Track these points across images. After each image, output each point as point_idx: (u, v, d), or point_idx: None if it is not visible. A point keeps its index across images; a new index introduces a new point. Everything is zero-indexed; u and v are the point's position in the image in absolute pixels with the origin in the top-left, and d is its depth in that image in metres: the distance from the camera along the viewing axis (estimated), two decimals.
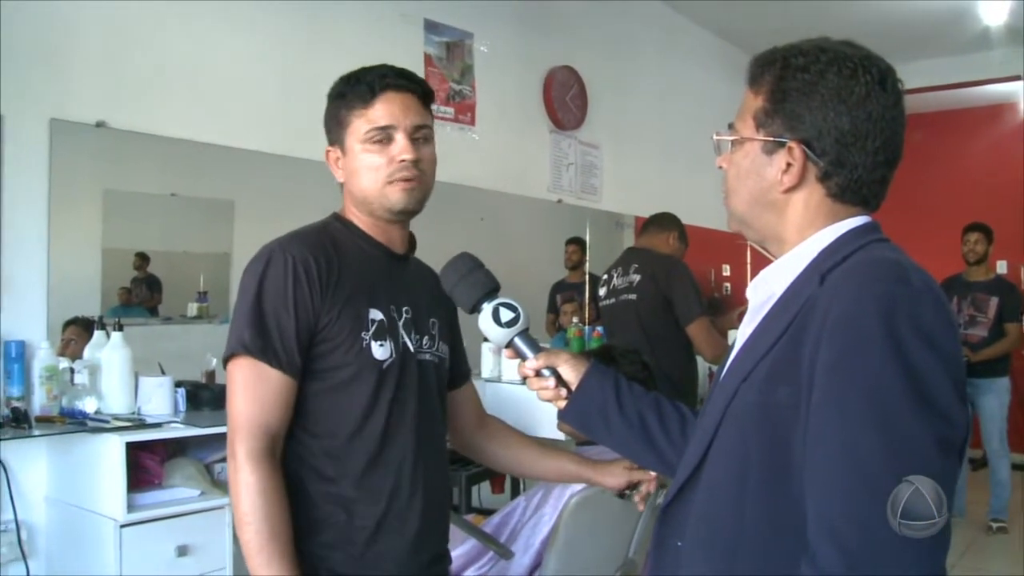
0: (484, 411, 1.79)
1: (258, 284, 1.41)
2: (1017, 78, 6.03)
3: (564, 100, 4.64)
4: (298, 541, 1.42)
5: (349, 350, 1.43)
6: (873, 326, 0.96)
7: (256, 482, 1.36)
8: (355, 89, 1.48)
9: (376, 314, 1.46)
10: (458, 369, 1.70)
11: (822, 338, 0.99)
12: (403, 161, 1.46)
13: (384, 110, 1.46)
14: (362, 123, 1.47)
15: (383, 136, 1.46)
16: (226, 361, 1.43)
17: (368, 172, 1.47)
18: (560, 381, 1.37)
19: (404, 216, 1.53)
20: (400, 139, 1.46)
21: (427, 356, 1.54)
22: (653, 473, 1.63)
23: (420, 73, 2.01)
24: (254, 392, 1.39)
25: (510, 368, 3.45)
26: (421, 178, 1.49)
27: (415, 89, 1.51)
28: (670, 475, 1.41)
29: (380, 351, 1.45)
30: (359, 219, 1.53)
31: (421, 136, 1.49)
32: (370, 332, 1.45)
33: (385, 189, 1.47)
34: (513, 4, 4.34)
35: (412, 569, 1.48)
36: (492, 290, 1.37)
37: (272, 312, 1.40)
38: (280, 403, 1.40)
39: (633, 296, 3.55)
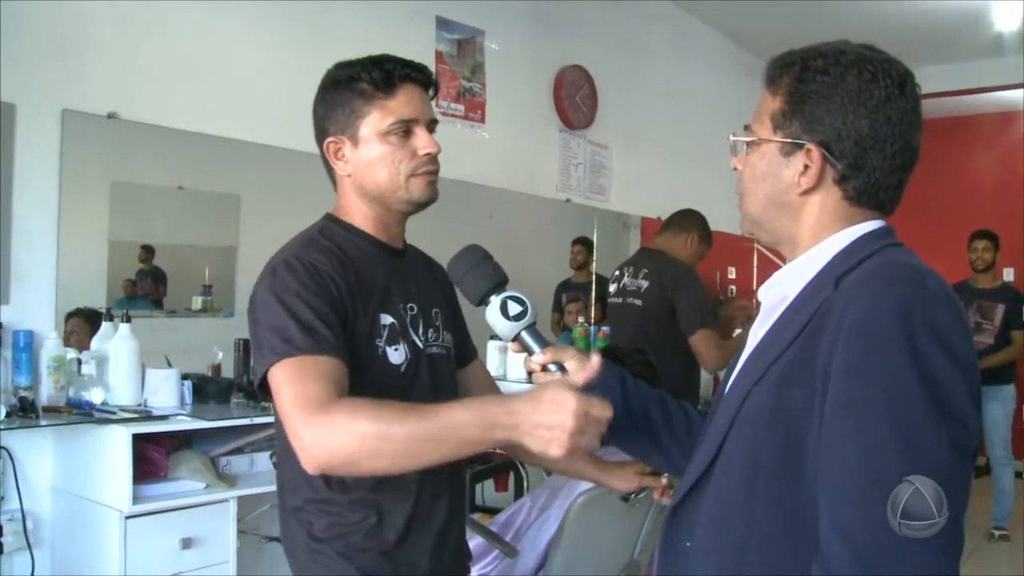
0: (499, 390, 1.76)
1: (279, 291, 1.33)
2: None
3: (574, 99, 4.63)
4: (329, 544, 1.40)
5: (366, 360, 1.39)
6: (890, 330, 0.96)
7: (347, 413, 1.20)
8: (372, 76, 1.43)
9: (387, 318, 1.44)
10: (463, 348, 1.66)
11: (838, 341, 0.99)
12: (427, 155, 1.45)
13: (407, 102, 1.44)
14: (384, 114, 1.42)
15: (405, 129, 1.44)
16: (264, 376, 1.30)
17: (389, 165, 1.44)
18: None
19: (422, 208, 1.50)
20: (422, 133, 1.45)
21: (435, 349, 1.53)
22: (664, 479, 1.62)
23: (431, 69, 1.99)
24: (301, 377, 1.26)
25: (516, 366, 3.45)
26: (438, 171, 1.48)
27: (428, 83, 1.50)
28: (672, 473, 1.41)
29: (396, 355, 1.43)
30: (362, 215, 1.49)
31: (433, 129, 1.49)
32: (383, 338, 1.42)
33: (408, 183, 1.44)
34: (525, 2, 4.34)
35: (439, 563, 1.48)
36: (500, 283, 1.35)
37: (303, 308, 1.31)
38: (334, 381, 1.27)
39: (639, 302, 3.53)
